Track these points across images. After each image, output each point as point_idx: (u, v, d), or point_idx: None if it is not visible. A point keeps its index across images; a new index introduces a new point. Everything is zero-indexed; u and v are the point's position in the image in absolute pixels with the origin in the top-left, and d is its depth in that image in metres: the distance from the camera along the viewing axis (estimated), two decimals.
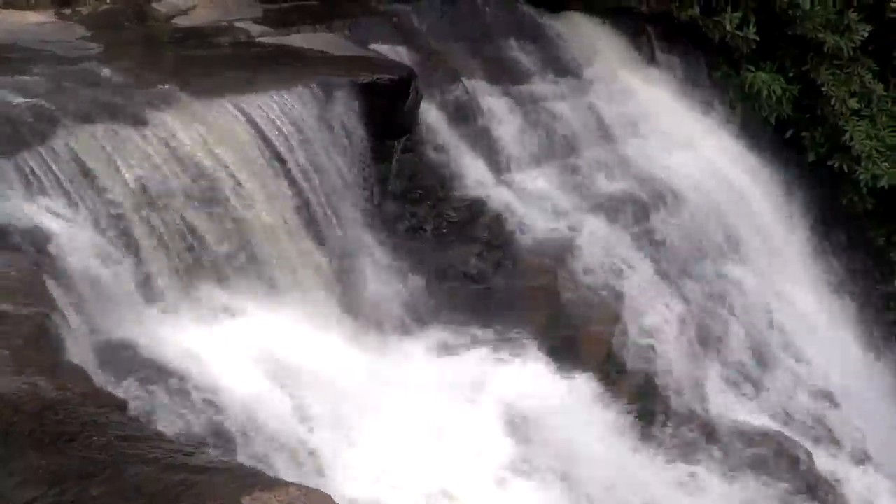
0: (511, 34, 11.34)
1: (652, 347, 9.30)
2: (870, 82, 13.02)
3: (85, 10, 9.69)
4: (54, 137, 6.16)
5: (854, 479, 9.96)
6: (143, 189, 6.34)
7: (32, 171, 5.90)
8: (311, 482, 5.30)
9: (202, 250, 6.56)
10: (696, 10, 12.31)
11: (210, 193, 6.65)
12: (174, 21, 9.77)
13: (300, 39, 9.17)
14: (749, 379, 10.34)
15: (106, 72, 7.60)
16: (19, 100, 6.51)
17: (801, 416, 10.32)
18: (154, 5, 10.02)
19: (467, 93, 10.00)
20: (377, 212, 8.42)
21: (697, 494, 8.34)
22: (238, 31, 9.36)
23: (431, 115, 9.38)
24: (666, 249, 10.54)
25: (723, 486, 8.63)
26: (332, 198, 7.60)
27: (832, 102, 12.85)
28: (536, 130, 10.55)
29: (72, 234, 5.80)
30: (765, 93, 12.55)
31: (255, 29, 9.42)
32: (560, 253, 9.36)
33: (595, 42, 12.09)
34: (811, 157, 13.20)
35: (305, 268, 7.13)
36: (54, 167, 6.00)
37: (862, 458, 10.32)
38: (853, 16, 12.65)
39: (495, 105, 10.28)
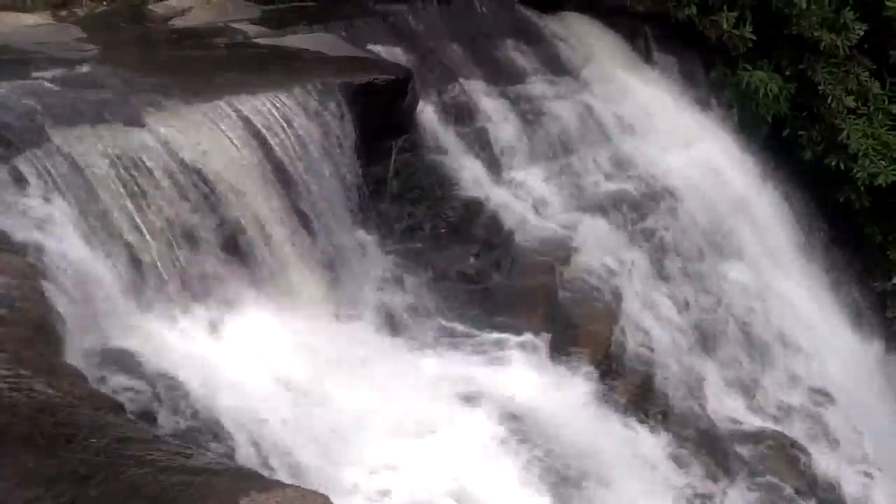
0: (508, 34, 11.36)
1: (650, 347, 9.30)
2: (866, 81, 13.06)
3: (81, 12, 9.70)
4: (49, 140, 6.14)
5: (852, 478, 9.97)
6: (138, 190, 6.33)
7: (27, 174, 5.88)
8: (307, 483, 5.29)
9: (197, 252, 6.55)
10: (693, 9, 12.34)
11: (205, 195, 6.64)
12: (171, 23, 9.77)
13: (297, 40, 9.16)
14: (747, 378, 10.35)
15: (101, 73, 7.58)
16: (13, 102, 6.49)
17: (799, 415, 10.32)
18: (151, 7, 10.02)
19: (464, 93, 10.00)
20: (374, 212, 8.41)
21: (696, 494, 8.33)
22: (234, 33, 9.35)
23: (429, 115, 9.37)
24: (664, 248, 10.55)
25: (722, 486, 8.63)
26: (328, 199, 7.59)
27: (829, 101, 12.89)
28: (534, 130, 10.55)
29: (67, 237, 5.79)
30: (762, 91, 12.57)
31: (251, 30, 9.41)
32: (558, 252, 9.35)
33: (592, 42, 12.11)
34: (808, 156, 13.23)
35: (301, 269, 7.12)
36: (49, 170, 5.98)
37: (860, 457, 10.32)
38: (849, 14, 12.67)
39: (492, 105, 10.28)
